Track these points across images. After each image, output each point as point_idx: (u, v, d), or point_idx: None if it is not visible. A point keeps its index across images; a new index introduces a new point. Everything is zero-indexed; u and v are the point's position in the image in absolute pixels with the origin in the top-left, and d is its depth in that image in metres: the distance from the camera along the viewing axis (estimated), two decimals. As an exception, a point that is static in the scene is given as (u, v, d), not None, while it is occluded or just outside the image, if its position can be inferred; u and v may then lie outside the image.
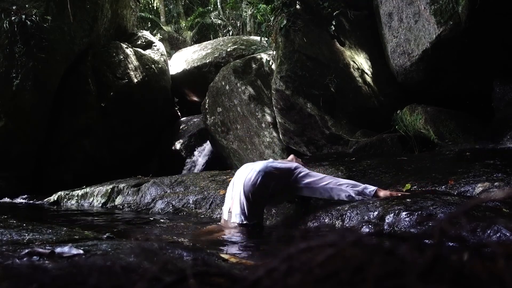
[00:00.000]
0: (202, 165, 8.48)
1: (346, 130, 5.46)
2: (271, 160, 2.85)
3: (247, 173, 2.62)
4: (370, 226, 2.24)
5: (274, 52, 6.55)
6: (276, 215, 3.08)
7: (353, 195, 2.51)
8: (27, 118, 6.98)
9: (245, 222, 2.56)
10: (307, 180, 2.61)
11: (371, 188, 2.53)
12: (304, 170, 2.68)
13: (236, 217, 2.59)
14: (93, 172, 7.51)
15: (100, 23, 8.50)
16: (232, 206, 2.64)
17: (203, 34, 18.37)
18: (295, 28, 5.96)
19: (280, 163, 2.73)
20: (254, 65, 7.67)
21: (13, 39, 6.76)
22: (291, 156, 3.06)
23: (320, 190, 2.58)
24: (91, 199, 4.90)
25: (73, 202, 5.09)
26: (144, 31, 11.32)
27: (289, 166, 2.69)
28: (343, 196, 2.54)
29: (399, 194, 2.48)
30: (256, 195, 2.56)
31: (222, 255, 1.29)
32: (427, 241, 0.48)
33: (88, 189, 5.08)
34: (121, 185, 4.75)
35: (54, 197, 5.36)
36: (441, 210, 2.10)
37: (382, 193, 2.50)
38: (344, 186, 2.53)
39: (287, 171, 2.65)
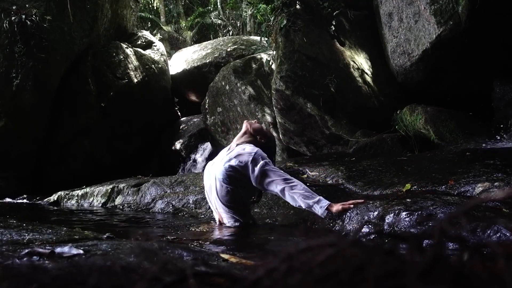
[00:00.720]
0: (202, 165, 8.48)
1: (346, 130, 5.46)
2: (227, 156, 2.56)
3: (213, 182, 2.53)
4: (370, 226, 2.24)
5: (274, 52, 6.55)
6: (276, 215, 3.08)
7: (303, 207, 2.36)
8: (27, 118, 6.98)
9: (238, 224, 2.59)
10: (266, 180, 2.43)
11: (323, 203, 2.32)
12: (263, 167, 2.44)
13: (228, 223, 2.62)
14: (93, 172, 7.52)
15: (100, 23, 8.50)
16: (222, 218, 2.64)
17: (203, 34, 18.37)
18: (295, 28, 5.96)
19: (235, 159, 2.49)
20: (254, 65, 7.68)
21: (13, 39, 6.76)
22: (244, 126, 2.74)
23: (275, 190, 2.43)
24: (91, 199, 4.90)
25: (73, 202, 5.09)
26: (144, 31, 11.32)
27: (245, 160, 2.47)
28: (294, 204, 2.41)
29: (351, 206, 2.37)
30: (234, 200, 2.53)
31: (222, 255, 1.29)
32: (427, 241, 0.48)
33: (88, 189, 5.08)
34: (121, 185, 4.75)
35: (54, 197, 5.36)
36: (441, 210, 2.10)
37: (334, 208, 2.33)
38: (297, 196, 2.35)
39: (245, 167, 2.46)
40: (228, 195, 2.50)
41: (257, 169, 2.44)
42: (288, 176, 2.46)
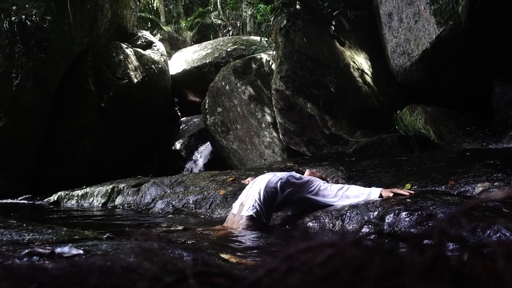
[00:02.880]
0: (202, 165, 8.48)
1: (346, 130, 5.46)
2: (293, 172, 2.96)
3: (270, 176, 2.79)
4: (370, 226, 2.24)
5: (274, 52, 6.55)
6: (275, 215, 3.07)
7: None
8: (27, 118, 6.98)
9: (255, 216, 2.60)
10: (319, 198, 2.71)
11: (374, 194, 2.57)
12: (318, 186, 2.76)
13: (247, 210, 2.64)
14: (93, 172, 7.51)
15: (100, 23, 8.50)
16: (246, 201, 2.74)
17: (203, 34, 18.36)
18: (295, 28, 5.96)
19: (299, 177, 2.84)
20: (254, 65, 7.67)
21: (13, 39, 6.76)
22: (308, 171, 3.14)
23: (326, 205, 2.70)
24: (91, 199, 4.90)
25: (73, 202, 5.09)
26: (144, 31, 11.32)
27: (306, 180, 2.81)
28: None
29: (405, 194, 2.48)
30: (271, 196, 2.68)
31: (222, 255, 1.29)
32: (427, 241, 0.48)
33: (88, 189, 5.07)
34: (121, 185, 4.75)
35: (54, 197, 5.36)
36: (441, 210, 2.10)
37: (385, 193, 2.52)
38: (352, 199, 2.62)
39: (304, 184, 2.78)
40: (271, 188, 2.70)
41: (313, 185, 2.78)
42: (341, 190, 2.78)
